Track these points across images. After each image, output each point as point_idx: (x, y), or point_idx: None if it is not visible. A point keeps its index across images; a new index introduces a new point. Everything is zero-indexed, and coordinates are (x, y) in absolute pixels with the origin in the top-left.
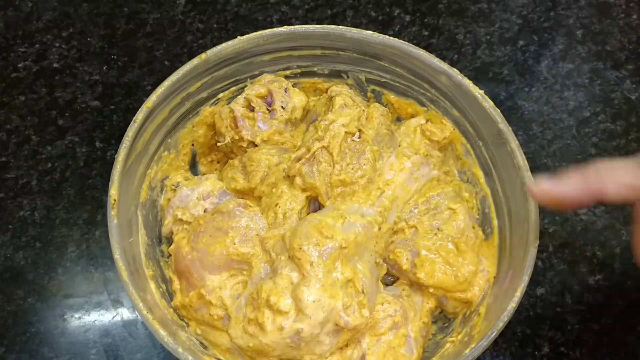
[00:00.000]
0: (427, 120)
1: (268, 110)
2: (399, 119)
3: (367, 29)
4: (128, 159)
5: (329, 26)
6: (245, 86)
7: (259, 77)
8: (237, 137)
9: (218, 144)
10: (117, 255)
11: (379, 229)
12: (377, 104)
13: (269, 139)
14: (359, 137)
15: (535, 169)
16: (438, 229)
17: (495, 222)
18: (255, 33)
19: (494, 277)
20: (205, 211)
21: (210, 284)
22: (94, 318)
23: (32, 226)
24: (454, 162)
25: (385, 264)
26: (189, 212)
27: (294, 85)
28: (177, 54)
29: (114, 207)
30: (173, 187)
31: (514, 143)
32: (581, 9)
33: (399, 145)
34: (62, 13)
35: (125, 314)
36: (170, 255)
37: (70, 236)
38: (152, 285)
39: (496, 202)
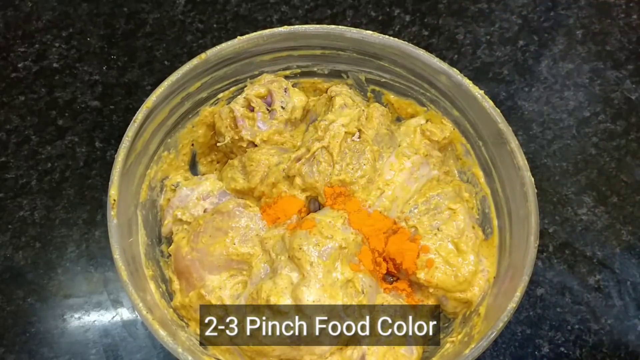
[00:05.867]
0: (427, 120)
1: (268, 110)
2: (399, 119)
3: (367, 29)
4: (128, 159)
5: (328, 26)
6: (245, 86)
7: (258, 77)
8: (237, 137)
9: (218, 144)
10: (116, 255)
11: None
12: (377, 104)
13: (269, 139)
14: (359, 137)
15: (535, 169)
16: (438, 229)
17: (495, 222)
18: (255, 33)
19: (494, 277)
20: (205, 211)
21: (210, 284)
22: (93, 318)
23: (32, 226)
24: (454, 162)
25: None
26: (188, 212)
27: (294, 85)
28: (177, 54)
29: (114, 207)
30: (173, 187)
31: (514, 143)
32: (581, 9)
33: (399, 145)
34: (61, 13)
35: (125, 314)
36: (170, 255)
37: (70, 236)
38: (152, 286)
39: (496, 202)
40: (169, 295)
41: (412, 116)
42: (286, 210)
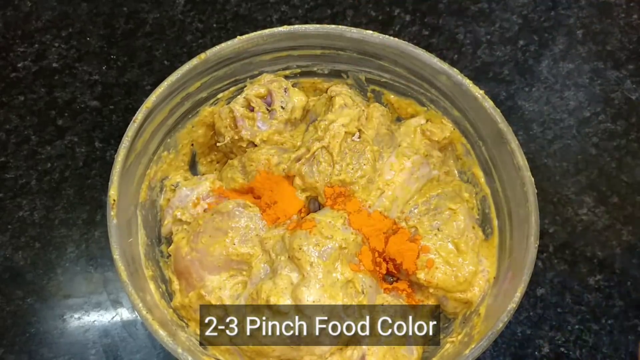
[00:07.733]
0: (427, 120)
1: (268, 110)
2: (399, 119)
3: (367, 29)
4: (127, 159)
5: (328, 26)
6: (245, 86)
7: (258, 77)
8: (236, 137)
9: (218, 144)
10: (116, 255)
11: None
12: (377, 104)
13: (269, 139)
14: (359, 137)
15: (535, 169)
16: (438, 229)
17: (495, 222)
18: (254, 33)
19: (494, 278)
20: (204, 211)
21: (209, 285)
22: (93, 318)
23: (32, 226)
24: (454, 162)
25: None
26: (188, 212)
27: (293, 85)
28: (176, 53)
29: (114, 207)
30: (172, 187)
31: (514, 143)
32: (581, 8)
33: (399, 145)
34: (61, 13)
35: (124, 314)
36: (169, 255)
37: (70, 236)
38: (152, 286)
39: (496, 202)
40: (168, 295)
41: (412, 116)
42: (286, 210)
